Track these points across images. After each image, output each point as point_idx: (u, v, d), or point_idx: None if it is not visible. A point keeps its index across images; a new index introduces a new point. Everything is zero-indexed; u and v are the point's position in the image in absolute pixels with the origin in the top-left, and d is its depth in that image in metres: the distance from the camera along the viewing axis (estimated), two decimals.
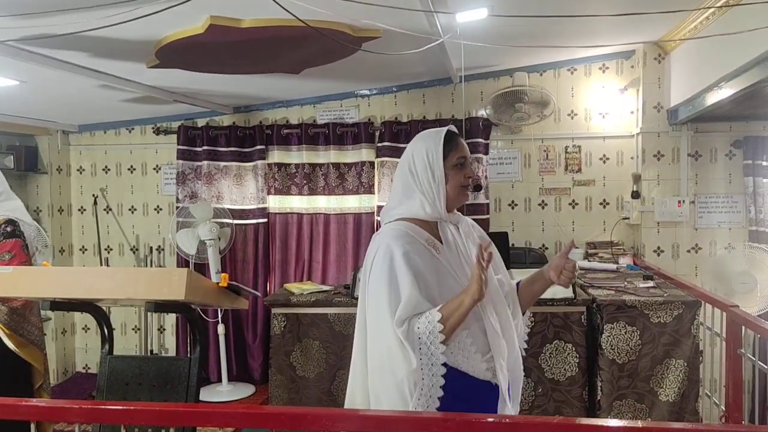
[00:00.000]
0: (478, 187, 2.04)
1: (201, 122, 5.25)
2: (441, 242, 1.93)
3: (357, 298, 3.48)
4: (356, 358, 1.95)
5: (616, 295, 3.40)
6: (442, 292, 1.82)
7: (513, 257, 4.38)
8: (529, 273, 2.12)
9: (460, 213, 2.05)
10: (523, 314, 2.04)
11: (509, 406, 1.93)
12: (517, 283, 2.08)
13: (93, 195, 5.46)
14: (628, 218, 4.67)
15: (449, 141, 1.94)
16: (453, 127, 2.00)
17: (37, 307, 2.76)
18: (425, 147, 1.93)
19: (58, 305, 2.49)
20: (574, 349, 3.39)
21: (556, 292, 3.37)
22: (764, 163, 4.54)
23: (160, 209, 5.43)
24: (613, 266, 4.25)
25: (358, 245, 4.97)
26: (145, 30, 2.93)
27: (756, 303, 3.94)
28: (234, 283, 2.66)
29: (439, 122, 4.85)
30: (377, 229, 4.99)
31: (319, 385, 3.52)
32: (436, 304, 1.78)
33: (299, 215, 5.09)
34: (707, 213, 4.65)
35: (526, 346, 2.05)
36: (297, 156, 5.07)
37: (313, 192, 5.06)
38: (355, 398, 1.94)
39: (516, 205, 4.94)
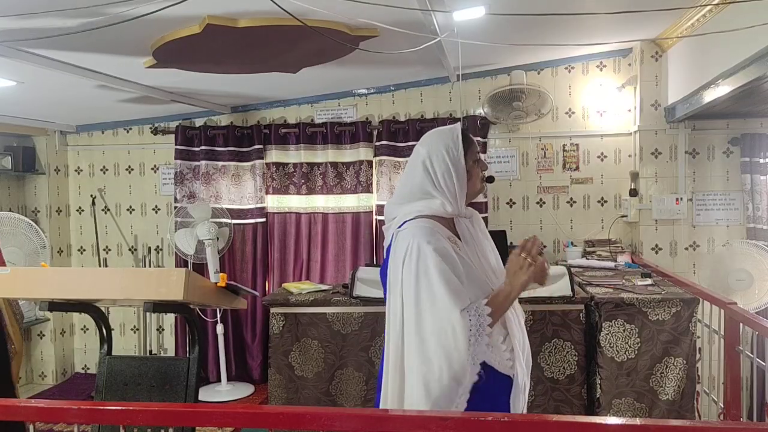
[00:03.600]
0: (490, 179, 2.10)
1: (199, 122, 5.25)
2: (459, 238, 1.96)
3: (356, 298, 3.51)
4: (394, 358, 1.90)
5: (615, 293, 3.41)
6: (468, 286, 1.85)
7: None
8: None
9: (471, 208, 2.08)
10: None
11: (524, 397, 1.95)
12: None
13: (91, 195, 5.45)
14: (626, 216, 4.68)
15: (465, 137, 1.98)
16: (460, 124, 2.04)
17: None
18: (444, 146, 1.94)
19: (56, 306, 2.49)
20: (572, 347, 3.40)
21: (554, 290, 3.37)
22: (761, 161, 4.55)
23: (159, 209, 5.43)
24: (611, 264, 4.25)
25: (357, 244, 4.97)
26: (143, 30, 2.92)
27: (751, 300, 3.95)
28: (232, 282, 2.66)
29: (437, 121, 4.85)
30: (376, 229, 5.02)
31: (317, 385, 3.52)
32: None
33: (297, 215, 5.10)
34: (705, 210, 4.66)
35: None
36: (295, 155, 5.07)
37: (311, 191, 5.06)
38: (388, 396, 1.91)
39: (514, 203, 4.94)
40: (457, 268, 1.84)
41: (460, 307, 1.78)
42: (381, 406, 1.91)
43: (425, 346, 1.79)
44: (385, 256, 2.04)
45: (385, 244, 2.06)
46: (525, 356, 1.97)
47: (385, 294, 2.04)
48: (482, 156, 2.11)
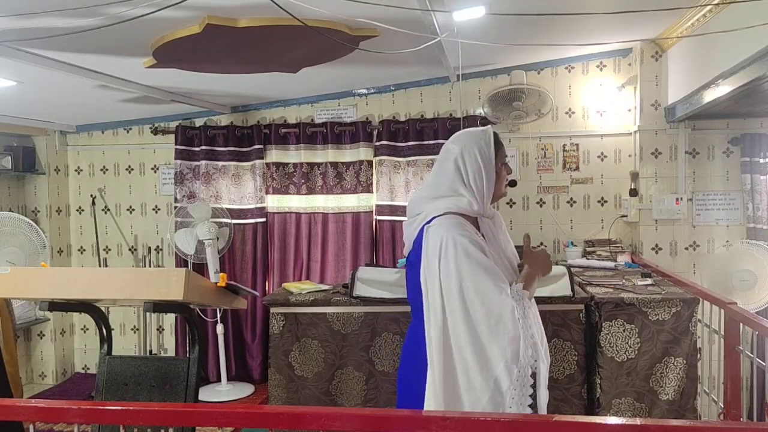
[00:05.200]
0: (513, 183, 2.16)
1: (199, 122, 5.25)
2: (483, 236, 2.02)
3: (356, 298, 3.51)
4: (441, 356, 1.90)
5: (615, 292, 3.41)
6: None
7: None
8: None
9: (493, 209, 2.14)
10: None
11: (545, 395, 1.98)
12: None
13: (91, 195, 5.45)
14: (626, 216, 4.67)
15: (496, 141, 2.05)
16: (491, 127, 2.11)
17: None
18: (477, 146, 2.01)
19: (56, 306, 2.49)
20: (572, 347, 3.39)
21: (554, 290, 3.37)
22: (761, 161, 4.54)
23: (159, 209, 5.43)
24: (611, 264, 4.25)
25: (357, 244, 4.97)
26: (143, 30, 2.92)
27: (754, 300, 3.95)
28: (232, 282, 2.67)
29: (437, 121, 4.85)
30: (376, 228, 5.02)
31: (318, 385, 3.52)
32: None
33: (297, 215, 5.09)
34: (705, 210, 4.66)
35: None
36: (295, 155, 5.07)
37: (311, 191, 5.06)
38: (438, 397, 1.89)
39: (514, 203, 4.94)
40: (490, 257, 1.92)
41: (504, 291, 1.85)
42: (426, 403, 1.89)
43: (476, 334, 1.83)
44: (409, 251, 2.07)
45: (407, 238, 2.10)
46: (544, 350, 2.00)
47: (408, 288, 2.07)
48: (508, 160, 2.17)
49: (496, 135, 2.05)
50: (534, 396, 1.93)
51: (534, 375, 1.94)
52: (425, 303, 1.93)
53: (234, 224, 5.04)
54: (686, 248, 4.63)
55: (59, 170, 5.44)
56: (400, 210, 4.86)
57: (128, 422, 1.52)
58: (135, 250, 5.47)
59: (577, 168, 4.87)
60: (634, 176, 4.63)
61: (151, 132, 5.35)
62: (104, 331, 2.70)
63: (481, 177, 1.98)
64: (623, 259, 4.40)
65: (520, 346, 1.82)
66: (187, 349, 5.03)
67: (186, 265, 4.87)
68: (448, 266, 1.86)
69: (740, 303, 3.22)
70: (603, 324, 3.30)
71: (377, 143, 4.94)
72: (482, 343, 1.82)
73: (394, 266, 4.22)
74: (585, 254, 4.63)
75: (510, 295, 1.87)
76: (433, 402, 1.87)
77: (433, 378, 1.88)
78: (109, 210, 5.49)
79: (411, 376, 1.99)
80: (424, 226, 1.97)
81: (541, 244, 4.87)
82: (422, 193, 2.10)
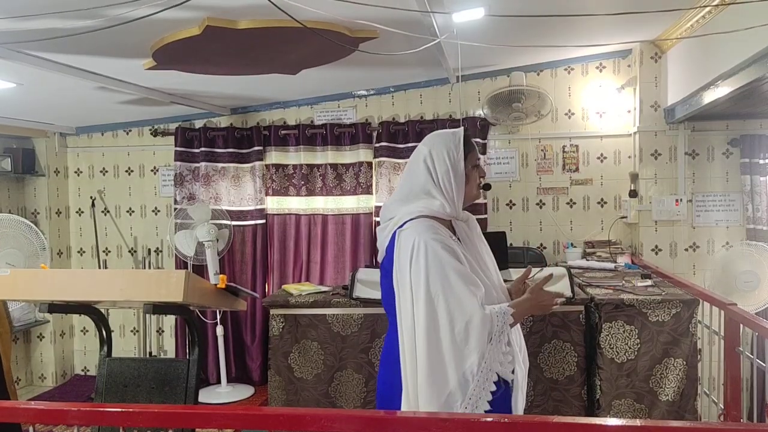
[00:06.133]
0: (487, 186, 2.14)
1: (198, 124, 5.25)
2: (458, 239, 1.99)
3: (355, 299, 3.51)
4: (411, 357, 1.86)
5: (615, 294, 3.41)
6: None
7: (511, 257, 4.38)
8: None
9: (466, 211, 2.10)
10: None
11: (523, 397, 1.96)
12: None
13: (91, 197, 5.45)
14: (626, 217, 4.68)
15: (466, 142, 2.00)
16: (463, 129, 2.06)
17: None
18: (446, 148, 1.97)
19: (56, 307, 2.49)
20: (572, 348, 3.39)
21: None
22: (761, 161, 4.55)
23: (158, 211, 5.43)
24: (611, 265, 4.25)
25: (356, 246, 4.97)
26: (143, 31, 2.93)
27: (755, 301, 3.94)
28: (232, 284, 2.67)
29: (436, 122, 4.85)
30: (375, 229, 5.01)
31: (316, 387, 3.51)
32: None
33: (297, 216, 5.09)
34: (705, 211, 4.66)
35: None
36: (295, 157, 5.07)
37: (311, 193, 5.06)
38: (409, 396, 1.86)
39: (514, 204, 4.94)
40: (464, 262, 1.86)
41: (479, 300, 1.80)
42: (403, 409, 1.87)
43: (436, 345, 1.78)
44: (383, 257, 2.03)
45: (381, 244, 2.05)
46: (522, 356, 1.98)
47: (383, 294, 2.03)
48: (482, 163, 2.13)
49: (467, 137, 2.01)
50: (509, 403, 1.91)
51: (510, 382, 1.90)
52: (398, 308, 1.88)
53: (234, 226, 5.04)
54: (686, 249, 4.63)
55: (59, 172, 5.44)
56: None
57: (128, 424, 1.52)
58: (135, 251, 5.47)
59: (577, 169, 4.87)
60: (634, 177, 4.63)
61: (151, 134, 5.35)
62: (104, 332, 2.70)
63: (449, 178, 1.94)
64: (623, 260, 4.40)
65: (475, 365, 1.76)
66: (187, 350, 5.03)
67: (186, 267, 4.86)
68: (419, 271, 1.80)
69: (741, 304, 3.22)
70: (603, 325, 3.30)
71: (377, 145, 4.94)
72: (441, 355, 1.76)
73: None
74: (585, 255, 4.63)
75: (483, 305, 1.80)
76: (405, 406, 1.84)
77: (406, 383, 1.83)
78: (108, 212, 5.49)
79: (388, 384, 1.94)
80: (396, 230, 1.92)
81: (541, 245, 4.88)
82: (394, 197, 2.06)
